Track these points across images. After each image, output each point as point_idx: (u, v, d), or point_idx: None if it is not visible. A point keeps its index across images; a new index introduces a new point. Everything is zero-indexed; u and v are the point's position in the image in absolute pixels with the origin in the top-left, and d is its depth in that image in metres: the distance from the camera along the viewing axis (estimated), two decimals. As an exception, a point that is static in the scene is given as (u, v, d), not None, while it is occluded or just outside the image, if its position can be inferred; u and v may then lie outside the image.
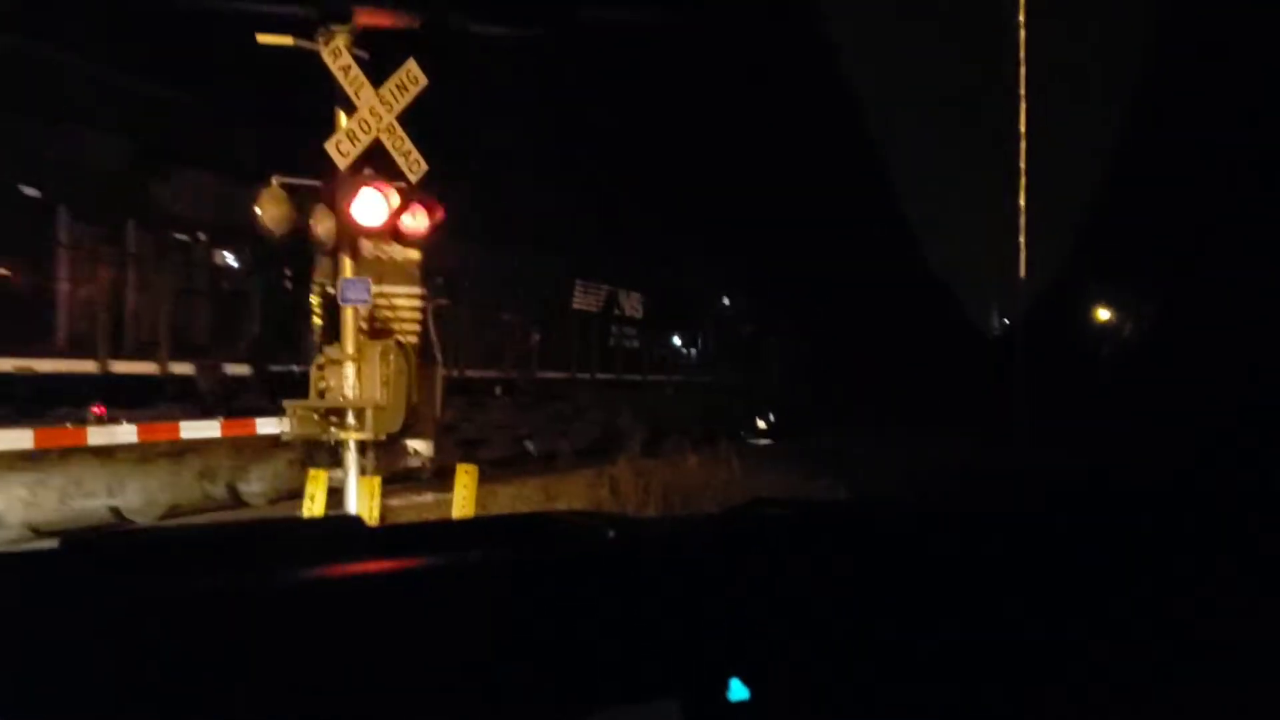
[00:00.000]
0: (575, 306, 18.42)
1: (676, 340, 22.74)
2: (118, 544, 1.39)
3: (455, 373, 13.41)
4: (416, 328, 12.29)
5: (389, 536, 1.56)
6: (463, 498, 7.92)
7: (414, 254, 11.86)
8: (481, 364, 15.40)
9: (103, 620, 1.03)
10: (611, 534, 1.49)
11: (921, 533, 1.63)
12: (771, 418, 24.99)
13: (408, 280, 11.88)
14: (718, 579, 1.36)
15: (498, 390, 15.44)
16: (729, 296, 25.10)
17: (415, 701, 1.06)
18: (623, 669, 1.19)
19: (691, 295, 23.17)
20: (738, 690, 1.20)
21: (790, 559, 1.43)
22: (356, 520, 1.51)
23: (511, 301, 16.33)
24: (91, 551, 1.26)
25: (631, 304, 20.60)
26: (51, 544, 1.28)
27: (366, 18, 5.66)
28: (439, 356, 12.17)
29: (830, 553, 1.48)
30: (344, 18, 6.24)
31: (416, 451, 9.73)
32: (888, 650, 1.31)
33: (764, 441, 21.40)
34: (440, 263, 12.16)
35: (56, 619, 1.02)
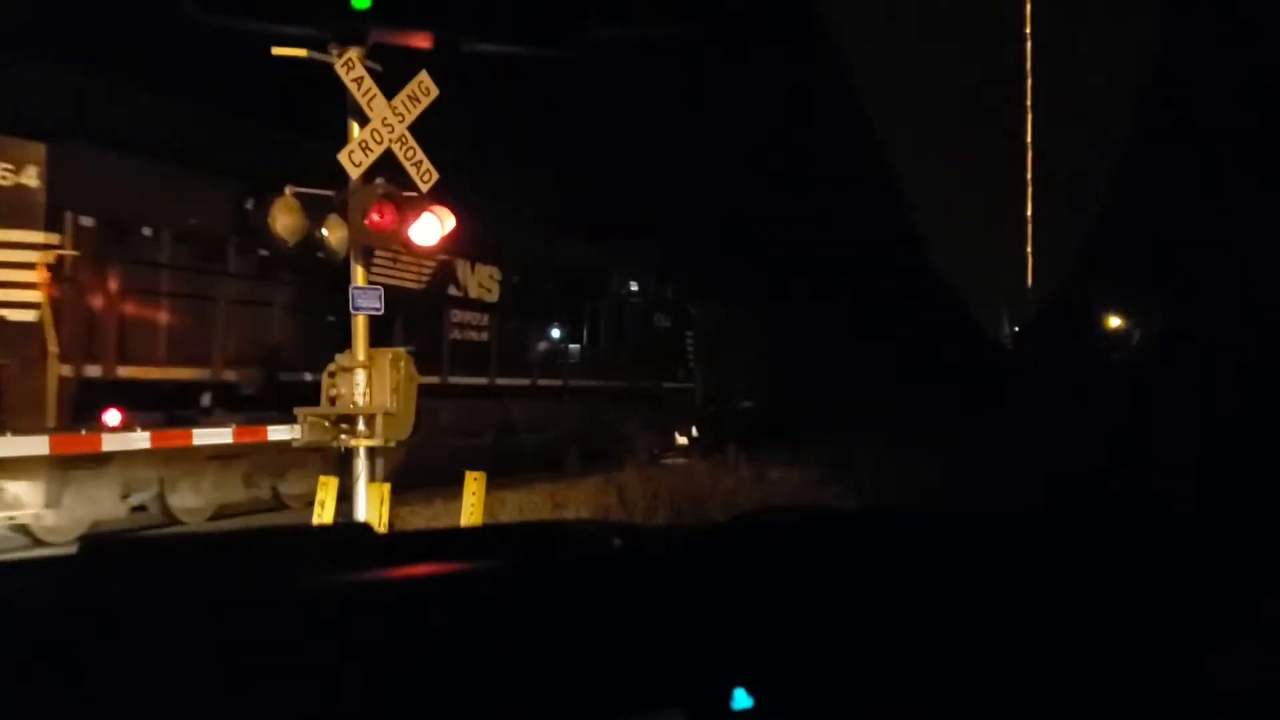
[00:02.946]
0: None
1: (556, 333, 17.03)
2: (132, 549, 1.41)
3: (97, 370, 9.06)
4: (33, 297, 8.11)
5: (397, 544, 1.58)
6: (471, 505, 7.94)
7: (31, 179, 8.16)
8: (165, 358, 9.65)
9: (116, 625, 1.05)
10: (618, 543, 1.51)
11: (929, 540, 1.64)
12: (694, 431, 20.09)
13: (19, 219, 8.12)
14: (723, 588, 1.37)
15: (205, 399, 10.10)
16: (641, 281, 19.28)
17: (422, 709, 1.08)
18: (628, 678, 1.20)
19: (583, 275, 17.49)
20: (741, 699, 1.21)
21: (796, 567, 1.45)
22: (366, 528, 1.53)
23: (234, 260, 10.39)
24: (107, 556, 1.28)
25: (479, 280, 14.85)
26: (69, 550, 1.30)
27: (381, 37, 5.71)
28: (51, 344, 8.20)
29: (836, 560, 1.50)
30: (360, 39, 6.27)
31: (19, 499, 7.51)
32: (894, 659, 1.32)
33: (678, 460, 16.91)
34: (88, 192, 8.63)
35: (72, 623, 1.04)
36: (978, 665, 1.34)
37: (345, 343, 6.86)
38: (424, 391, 11.00)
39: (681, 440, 19.79)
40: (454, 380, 13.64)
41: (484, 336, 14.74)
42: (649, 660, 1.23)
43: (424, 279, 13.49)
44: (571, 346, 17.24)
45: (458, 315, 14.28)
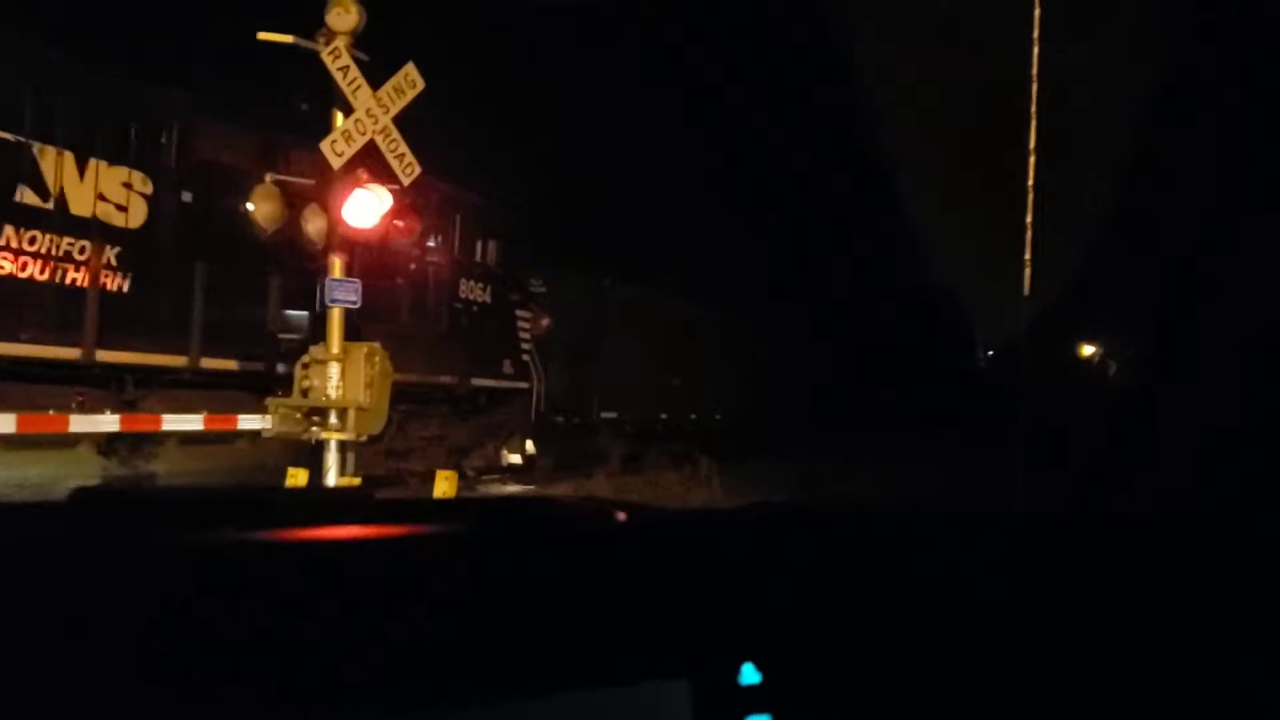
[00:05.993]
0: None
1: (271, 294, 10.13)
2: (125, 500, 1.37)
3: None
4: None
5: (401, 508, 1.55)
6: (442, 504, 7.86)
7: None
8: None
9: (107, 576, 1.01)
10: (621, 516, 1.49)
11: (932, 530, 1.64)
12: (530, 447, 14.95)
13: None
14: (728, 563, 1.35)
15: None
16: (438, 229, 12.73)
17: (421, 669, 1.05)
18: (631, 648, 1.18)
19: None
20: (749, 674, 1.19)
21: (805, 545, 1.43)
22: (365, 490, 1.50)
23: None
24: (97, 505, 1.24)
25: (102, 187, 8.53)
26: (58, 497, 1.26)
27: None
28: None
29: (842, 540, 1.48)
30: None
31: None
32: (902, 639, 1.31)
33: (510, 488, 13.51)
34: None
35: (60, 570, 1.00)
36: (979, 643, 1.33)
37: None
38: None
39: (513, 458, 14.70)
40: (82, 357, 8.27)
41: (84, 279, 8.39)
42: (654, 631, 1.20)
43: None
44: (296, 314, 10.20)
45: (24, 239, 7.97)
